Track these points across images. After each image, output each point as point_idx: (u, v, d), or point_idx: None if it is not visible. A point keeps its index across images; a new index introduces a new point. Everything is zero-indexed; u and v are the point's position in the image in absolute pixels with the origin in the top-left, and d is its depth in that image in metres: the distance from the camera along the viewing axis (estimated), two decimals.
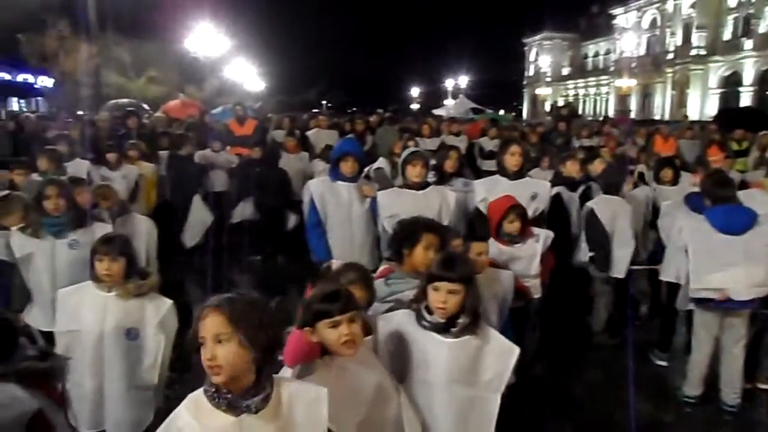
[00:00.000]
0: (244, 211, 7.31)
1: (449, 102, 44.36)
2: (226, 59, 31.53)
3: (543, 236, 3.79)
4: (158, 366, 2.89)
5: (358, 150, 4.50)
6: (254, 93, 39.90)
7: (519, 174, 4.36)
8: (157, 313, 2.90)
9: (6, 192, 4.87)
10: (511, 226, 3.68)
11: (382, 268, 2.94)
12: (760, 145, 9.61)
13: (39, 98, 29.69)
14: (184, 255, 7.12)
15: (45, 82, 29.65)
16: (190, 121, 10.00)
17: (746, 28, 39.90)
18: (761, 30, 38.40)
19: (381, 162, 6.17)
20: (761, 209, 3.88)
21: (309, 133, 9.48)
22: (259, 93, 42.78)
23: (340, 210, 4.22)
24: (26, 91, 31.34)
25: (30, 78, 30.89)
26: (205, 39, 25.51)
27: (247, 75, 39.27)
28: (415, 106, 55.76)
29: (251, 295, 2.02)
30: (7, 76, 30.02)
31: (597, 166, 5.25)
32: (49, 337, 3.15)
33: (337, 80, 61.68)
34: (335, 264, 2.70)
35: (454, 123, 11.05)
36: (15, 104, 30.84)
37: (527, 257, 3.70)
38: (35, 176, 5.56)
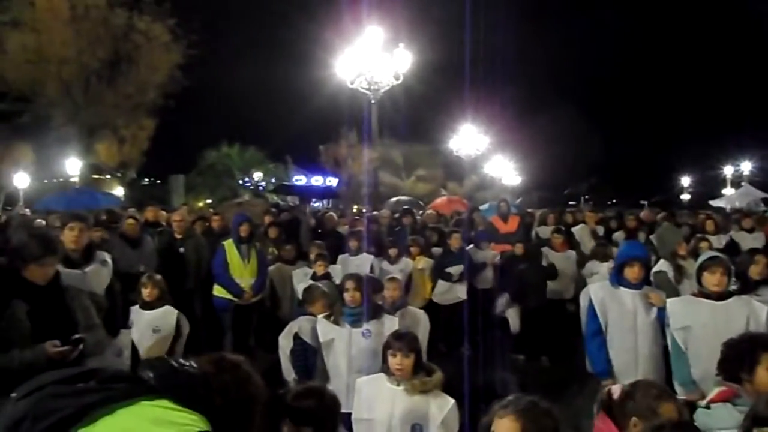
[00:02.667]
0: (502, 304, 7.34)
1: (729, 191, 39.17)
2: (486, 156, 32.98)
3: None
4: None
5: (644, 254, 4.23)
6: (512, 187, 40.72)
7: None
8: (440, 411, 2.99)
9: (310, 282, 5.73)
10: None
11: (719, 389, 2.60)
12: None
13: (332, 198, 34.98)
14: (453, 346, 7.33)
15: (334, 183, 35.31)
16: (458, 218, 10.53)
17: None
18: None
19: (663, 265, 5.66)
20: None
21: (574, 229, 9.22)
22: (517, 188, 43.50)
23: (624, 319, 3.96)
24: (323, 192, 37.53)
25: (325, 180, 37.29)
26: (467, 138, 27.20)
27: (504, 170, 40.40)
28: (685, 197, 50.57)
29: (542, 403, 2.00)
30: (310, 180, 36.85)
31: None
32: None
33: (598, 172, 59.50)
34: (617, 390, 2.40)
35: (747, 217, 9.68)
36: (315, 203, 36.78)
37: None
38: (307, 268, 6.53)
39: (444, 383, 3.21)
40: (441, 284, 7.49)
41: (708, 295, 3.62)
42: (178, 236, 7.22)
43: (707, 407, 2.40)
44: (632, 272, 3.96)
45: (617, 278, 4.05)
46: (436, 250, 8.01)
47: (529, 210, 13.25)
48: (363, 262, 6.93)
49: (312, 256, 6.58)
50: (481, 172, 35.03)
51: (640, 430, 2.10)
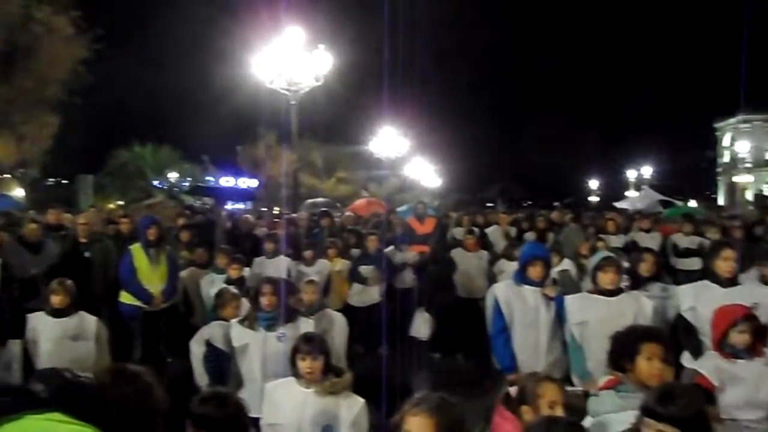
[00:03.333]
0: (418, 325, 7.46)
1: (632, 193, 41.92)
2: (406, 158, 33.48)
3: None
4: None
5: (544, 254, 4.46)
6: (432, 190, 41.53)
7: (733, 281, 3.95)
8: (350, 411, 3.04)
9: (222, 287, 5.63)
10: (740, 337, 3.16)
11: (606, 378, 2.79)
12: None
13: (250, 201, 34.16)
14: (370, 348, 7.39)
15: (252, 185, 34.42)
16: (376, 220, 10.66)
17: None
18: None
19: (566, 264, 5.99)
20: None
21: (488, 230, 9.55)
22: (437, 190, 44.41)
23: (527, 315, 4.15)
24: (241, 194, 36.58)
25: (240, 182, 36.17)
26: (387, 140, 27.51)
27: (425, 173, 41.16)
28: (594, 199, 53.57)
29: (452, 399, 2.10)
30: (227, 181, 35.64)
31: None
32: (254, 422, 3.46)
33: (513, 175, 61.94)
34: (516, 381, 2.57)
35: (645, 219, 10.40)
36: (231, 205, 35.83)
37: (753, 379, 3.13)
38: (214, 274, 6.42)
39: (361, 384, 3.27)
40: (356, 286, 7.56)
41: (602, 292, 3.89)
42: (83, 240, 6.88)
43: (596, 395, 2.59)
44: (535, 271, 4.16)
45: (521, 277, 4.23)
46: (355, 252, 8.07)
47: (450, 213, 13.63)
48: (279, 265, 6.87)
49: (218, 262, 6.46)
50: (402, 174, 35.53)
51: (531, 418, 2.24)
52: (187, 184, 34.17)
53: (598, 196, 55.68)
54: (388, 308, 7.18)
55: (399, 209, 13.24)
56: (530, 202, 52.78)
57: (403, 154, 30.12)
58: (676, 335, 4.01)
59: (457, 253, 7.88)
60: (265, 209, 19.10)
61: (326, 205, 16.21)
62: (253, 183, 35.05)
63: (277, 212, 15.70)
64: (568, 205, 34.87)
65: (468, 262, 7.78)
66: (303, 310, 4.47)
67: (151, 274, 6.36)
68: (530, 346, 4.12)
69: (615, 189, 53.24)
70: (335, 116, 28.02)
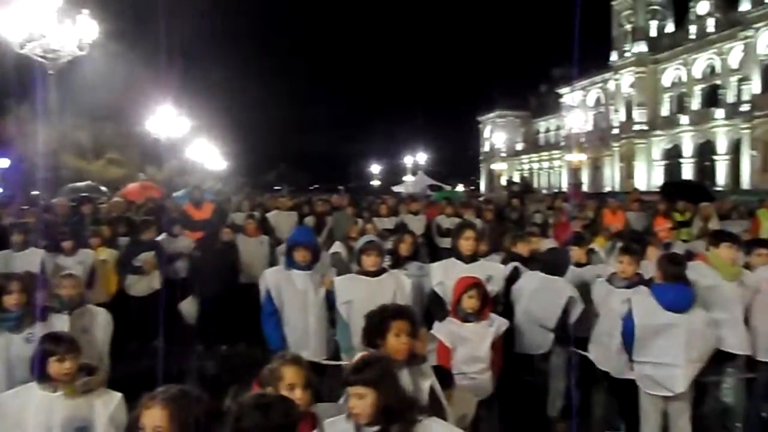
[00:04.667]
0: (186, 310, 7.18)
1: (409, 178, 45.36)
2: (188, 139, 31.80)
3: (497, 323, 3.82)
4: None
5: (308, 239, 4.56)
6: (216, 173, 40.10)
7: (474, 257, 4.53)
8: (106, 408, 2.87)
9: None
10: (469, 302, 3.70)
11: (360, 354, 2.99)
12: (702, 216, 10.16)
13: None
14: (144, 344, 6.97)
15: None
16: (150, 205, 9.99)
17: (680, 105, 42.84)
18: (693, 107, 41.26)
19: (337, 246, 6.28)
20: (705, 281, 4.12)
21: (269, 215, 9.57)
22: (222, 173, 43.00)
23: (296, 298, 4.28)
24: None
25: None
26: (166, 120, 25.81)
27: (209, 155, 39.53)
28: (375, 183, 56.75)
29: (194, 391, 2.11)
30: None
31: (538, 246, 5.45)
32: None
33: (299, 159, 62.62)
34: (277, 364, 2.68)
35: (413, 202, 11.34)
36: None
37: (477, 339, 3.71)
38: None
39: (135, 379, 3.09)
40: (131, 276, 7.06)
41: (366, 273, 4.18)
42: None
43: None
44: (300, 255, 4.29)
45: (289, 262, 4.35)
46: (124, 241, 7.49)
47: (235, 197, 13.33)
48: (31, 258, 6.09)
49: None
50: (183, 156, 33.66)
51: None
52: None
53: (379, 180, 59.10)
54: (165, 299, 6.82)
55: (176, 194, 12.55)
56: (316, 186, 53.94)
57: (185, 135, 28.54)
58: (430, 307, 4.51)
59: (237, 239, 7.77)
60: (12, 195, 16.62)
61: (89, 189, 14.69)
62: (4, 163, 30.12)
63: (33, 198, 13.80)
64: (351, 189, 36.48)
65: (249, 247, 7.71)
66: (57, 307, 4.06)
67: None
68: (300, 328, 4.26)
69: (395, 174, 57.11)
70: (106, 92, 25.30)
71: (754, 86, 35.12)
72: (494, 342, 3.75)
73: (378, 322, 2.81)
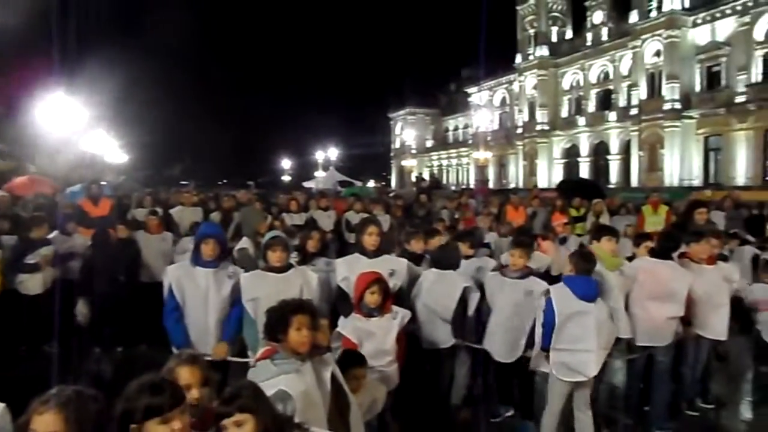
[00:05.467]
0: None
1: (320, 174, 45.15)
2: (85, 131, 29.89)
3: (401, 314, 3.91)
4: None
5: (218, 232, 4.50)
6: (117, 166, 37.99)
7: (378, 252, 4.61)
8: None
9: None
10: (372, 297, 3.80)
11: (264, 348, 2.97)
12: (594, 212, 10.91)
13: None
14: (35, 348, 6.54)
15: None
16: (40, 201, 9.33)
17: (578, 107, 45.53)
18: (590, 110, 43.98)
19: (245, 242, 6.18)
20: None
21: (173, 210, 9.23)
22: (122, 166, 40.81)
23: (197, 296, 4.19)
24: None
25: None
26: (59, 110, 24.14)
27: (108, 147, 37.36)
28: (286, 178, 56.01)
29: (89, 391, 2.02)
30: None
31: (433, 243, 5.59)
32: None
33: (207, 152, 60.62)
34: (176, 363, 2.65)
35: (323, 198, 11.34)
36: None
37: (382, 333, 3.79)
38: None
39: (26, 385, 2.89)
40: (23, 275, 6.59)
41: (272, 269, 4.15)
42: None
43: (254, 366, 2.81)
44: (209, 248, 4.21)
45: (195, 258, 4.26)
46: (8, 239, 6.96)
47: (133, 194, 12.71)
48: None
49: None
50: (79, 148, 31.56)
51: None
52: None
53: (290, 175, 58.35)
54: (59, 300, 6.40)
55: (72, 189, 11.76)
56: (225, 181, 52.55)
57: (81, 126, 26.80)
58: (336, 302, 4.55)
59: (138, 236, 7.44)
60: None
61: None
62: None
63: None
64: (261, 184, 35.82)
65: (151, 245, 7.41)
66: None
67: None
68: (200, 326, 4.17)
69: (306, 169, 56.68)
70: None
71: (642, 92, 37.80)
72: (398, 334, 3.85)
73: (279, 317, 2.81)
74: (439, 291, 4.69)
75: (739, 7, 32.75)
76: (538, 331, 4.21)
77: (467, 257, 5.32)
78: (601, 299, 4.12)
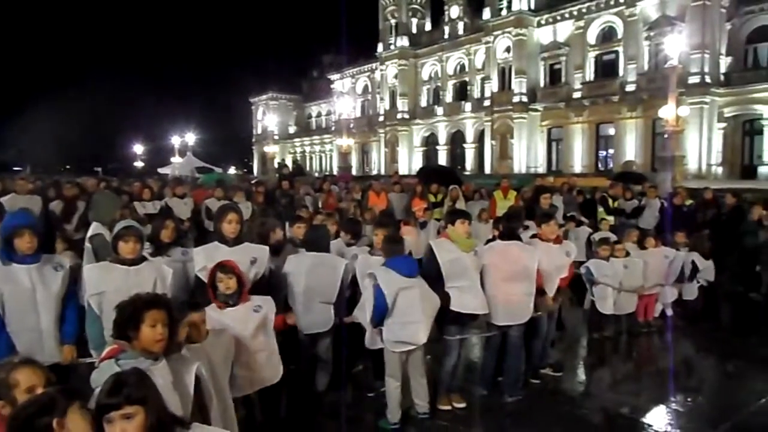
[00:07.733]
0: None
1: (176, 160, 42.69)
2: None
3: (265, 307, 3.84)
4: None
5: (31, 221, 3.96)
6: None
7: (238, 240, 4.45)
8: None
9: None
10: (223, 285, 3.73)
11: (109, 347, 2.72)
12: (451, 198, 11.49)
13: None
14: None
15: None
16: None
17: (437, 97, 47.52)
18: (447, 100, 46.09)
19: (98, 228, 5.67)
20: (449, 255, 4.73)
21: (4, 199, 8.24)
22: None
23: (22, 297, 3.69)
24: None
25: None
26: None
27: None
28: (139, 164, 52.36)
29: None
30: None
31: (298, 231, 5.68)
32: None
33: (48, 135, 54.91)
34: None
35: (179, 185, 10.74)
36: None
37: (240, 323, 3.68)
38: None
39: None
40: None
41: (123, 261, 3.81)
42: None
43: (97, 367, 2.57)
44: (26, 241, 3.72)
45: (7, 254, 3.72)
46: None
47: None
48: None
49: None
50: None
51: (10, 411, 2.06)
52: None
53: (143, 161, 54.65)
54: None
55: None
56: (68, 167, 48.04)
57: None
58: (194, 292, 4.34)
59: None
60: None
61: None
62: None
63: None
64: (110, 171, 33.19)
65: None
66: None
67: None
68: (30, 330, 3.71)
69: (161, 155, 53.35)
70: None
71: (494, 85, 40.31)
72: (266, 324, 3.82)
73: (130, 313, 2.58)
74: (321, 273, 4.81)
75: (575, 12, 36.18)
76: (368, 312, 4.49)
77: (348, 245, 5.59)
78: (419, 275, 4.49)
